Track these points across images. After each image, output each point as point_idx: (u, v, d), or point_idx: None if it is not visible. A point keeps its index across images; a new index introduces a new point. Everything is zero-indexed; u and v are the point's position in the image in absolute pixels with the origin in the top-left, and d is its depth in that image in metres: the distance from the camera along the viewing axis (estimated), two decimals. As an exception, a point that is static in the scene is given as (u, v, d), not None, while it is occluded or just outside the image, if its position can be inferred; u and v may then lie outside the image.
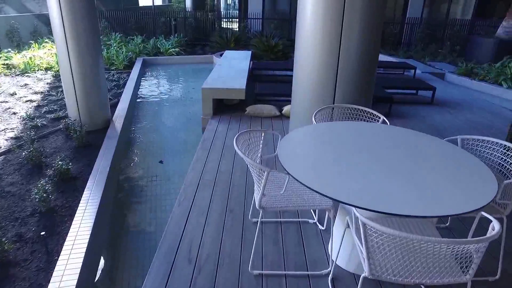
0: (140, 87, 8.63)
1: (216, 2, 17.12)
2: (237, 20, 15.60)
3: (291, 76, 8.51)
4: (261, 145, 2.75)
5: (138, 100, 7.66)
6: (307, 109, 4.15)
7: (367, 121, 3.25)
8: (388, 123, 2.97)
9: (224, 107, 6.08)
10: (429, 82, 8.46)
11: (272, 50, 10.94)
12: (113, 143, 4.75)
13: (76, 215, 3.21)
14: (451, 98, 7.46)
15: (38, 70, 9.10)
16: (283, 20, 14.71)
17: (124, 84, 8.16)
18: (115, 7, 16.66)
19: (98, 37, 5.16)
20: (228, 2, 22.61)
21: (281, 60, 11.06)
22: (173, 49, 12.02)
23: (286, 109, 5.70)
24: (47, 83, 7.90)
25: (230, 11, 19.83)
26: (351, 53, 3.75)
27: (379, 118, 3.13)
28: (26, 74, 8.70)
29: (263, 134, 2.73)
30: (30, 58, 9.43)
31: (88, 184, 3.71)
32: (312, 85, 3.98)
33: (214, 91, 5.55)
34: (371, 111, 3.19)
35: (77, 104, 5.09)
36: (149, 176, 4.44)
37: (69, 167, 3.80)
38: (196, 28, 14.65)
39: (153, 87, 8.73)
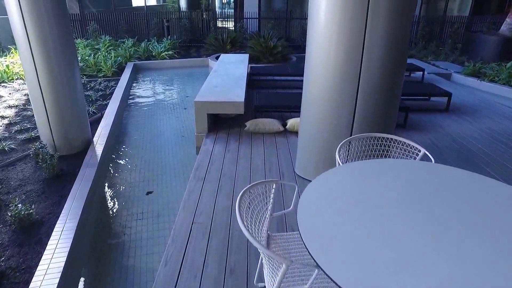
0: (129, 96, 7.91)
1: (210, 1, 16.38)
2: (233, 19, 14.88)
3: (292, 81, 7.71)
4: (271, 202, 2.06)
5: (125, 112, 6.95)
6: (321, 130, 3.47)
7: (402, 154, 2.56)
8: (433, 160, 2.28)
9: (220, 120, 5.39)
10: (437, 84, 7.82)
11: (271, 52, 10.24)
12: (90, 172, 4.05)
13: (33, 279, 2.52)
14: (464, 103, 6.79)
15: (16, 79, 8.37)
16: (280, 19, 14.00)
17: (112, 93, 7.46)
18: (105, 8, 15.92)
19: (72, 41, 4.44)
20: (223, 1, 21.88)
21: (280, 63, 10.36)
22: (166, 52, 11.30)
23: (291, 123, 5.01)
24: (25, 94, 7.18)
25: (226, 10, 19.10)
26: (375, 62, 3.08)
27: (419, 151, 2.44)
28: (3, 84, 7.97)
29: (274, 186, 2.04)
30: (7, 66, 8.67)
31: (54, 232, 3.02)
32: (326, 99, 3.30)
33: (209, 104, 4.85)
34: (408, 142, 2.51)
35: (49, 124, 4.38)
36: (134, 214, 3.75)
37: (31, 211, 3.10)
38: (190, 29, 13.92)
39: (143, 96, 8.02)
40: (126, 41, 12.02)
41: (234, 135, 4.94)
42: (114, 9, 15.88)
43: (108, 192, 4.18)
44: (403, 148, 2.55)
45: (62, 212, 3.31)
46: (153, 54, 11.29)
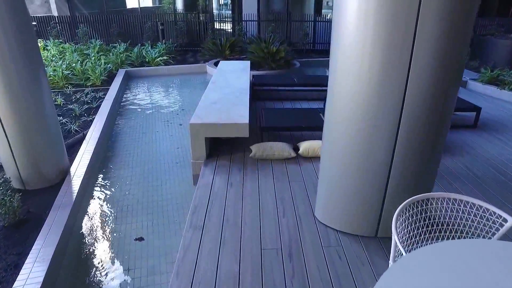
0: (118, 110, 7.15)
1: (207, 3, 15.64)
2: (231, 21, 14.15)
3: (299, 91, 6.88)
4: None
5: (113, 130, 6.19)
6: (347, 171, 2.74)
7: (473, 221, 1.83)
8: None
9: (220, 142, 4.65)
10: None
11: (273, 58, 9.51)
12: (62, 216, 3.30)
13: None
14: (491, 116, 6.08)
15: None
16: (280, 22, 13.28)
17: (99, 107, 6.70)
18: (98, 10, 15.16)
19: (38, 56, 3.68)
20: (220, 2, 21.14)
21: (283, 69, 9.63)
22: (161, 58, 10.54)
23: (304, 147, 4.27)
24: None
25: (224, 12, 18.39)
26: (425, 81, 2.36)
27: (504, 220, 1.71)
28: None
29: None
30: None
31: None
32: (356, 131, 2.58)
33: (207, 127, 4.11)
34: (492, 208, 1.78)
35: (12, 153, 3.63)
36: (117, 271, 3.00)
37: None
38: (186, 32, 13.18)
39: (134, 110, 7.26)
40: (118, 46, 11.26)
41: (238, 162, 4.19)
42: (106, 11, 15.14)
43: (85, 242, 3.43)
44: (475, 212, 1.83)
45: (18, 278, 2.56)
46: (147, 60, 10.53)
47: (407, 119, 2.44)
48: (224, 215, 3.19)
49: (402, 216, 1.82)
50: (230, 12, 15.57)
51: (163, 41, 11.90)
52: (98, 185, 4.39)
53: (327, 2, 17.41)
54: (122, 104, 7.49)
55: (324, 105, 6.14)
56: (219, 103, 4.80)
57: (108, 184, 4.41)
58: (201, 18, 13.77)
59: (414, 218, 1.92)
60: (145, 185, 4.39)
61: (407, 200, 1.82)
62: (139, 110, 7.09)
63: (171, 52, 11.60)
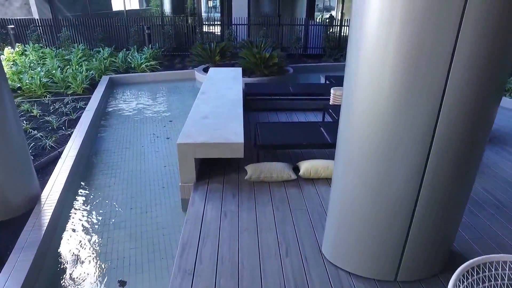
0: (100, 122, 6.64)
1: (196, 5, 15.18)
2: (220, 24, 13.71)
3: (295, 100, 6.43)
4: None
5: (93, 146, 5.69)
6: (363, 209, 2.33)
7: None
8: None
9: (212, 161, 4.20)
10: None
11: (266, 64, 9.10)
12: (27, 258, 2.80)
13: None
14: (502, 129, 5.76)
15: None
16: (271, 25, 12.90)
17: (79, 118, 6.18)
18: (82, 13, 14.55)
19: None
20: (209, 5, 20.71)
21: (276, 76, 9.23)
22: (147, 63, 10.04)
23: (305, 168, 3.85)
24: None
25: (213, 14, 17.94)
26: (465, 98, 1.98)
27: None
28: None
29: None
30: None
31: None
32: (375, 158, 2.17)
33: (197, 147, 3.66)
34: None
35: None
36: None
37: None
38: (174, 36, 12.69)
39: (117, 121, 6.76)
40: (102, 51, 10.71)
41: (232, 186, 3.75)
42: (90, 14, 14.54)
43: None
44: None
45: None
46: (133, 65, 10.01)
47: (439, 143, 2.03)
48: (218, 255, 2.74)
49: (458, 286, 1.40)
50: (219, 15, 15.14)
51: (150, 45, 11.39)
52: (74, 213, 3.89)
53: (317, 5, 17.13)
54: (104, 114, 6.98)
55: (323, 117, 5.77)
56: (210, 117, 4.35)
57: (85, 212, 3.91)
58: (189, 22, 13.31)
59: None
60: (128, 212, 3.90)
61: (465, 265, 1.40)
62: (123, 121, 6.58)
63: (158, 57, 11.10)
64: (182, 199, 3.90)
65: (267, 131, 4.33)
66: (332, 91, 5.76)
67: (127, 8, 16.54)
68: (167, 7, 16.17)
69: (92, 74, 8.82)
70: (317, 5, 17.27)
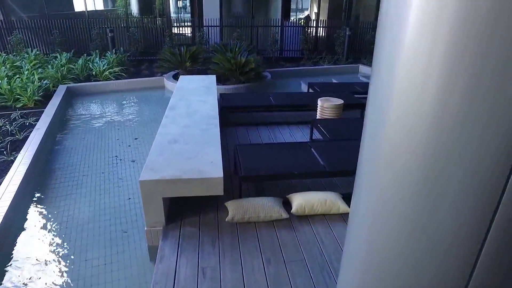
0: (54, 141, 5.73)
1: (164, 6, 14.28)
2: (190, 26, 12.91)
3: (277, 111, 5.70)
4: None
5: (42, 173, 4.82)
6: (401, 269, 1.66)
7: None
8: None
9: (184, 198, 3.47)
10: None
11: (242, 70, 8.42)
12: None
13: None
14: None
15: None
16: (245, 27, 12.24)
17: (27, 138, 5.27)
18: (40, 13, 13.30)
19: None
20: (179, 5, 19.77)
21: (253, 82, 8.56)
22: (111, 70, 9.11)
23: (298, 204, 3.19)
24: None
25: (183, 15, 17.06)
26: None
27: None
28: None
29: None
30: None
31: None
32: (423, 179, 1.51)
33: (164, 185, 2.93)
34: None
35: None
36: None
37: None
38: (142, 40, 11.77)
39: (74, 141, 5.88)
40: (59, 57, 9.67)
41: (210, 230, 3.04)
42: (48, 15, 13.34)
43: None
44: None
45: None
46: (94, 73, 9.06)
47: None
48: None
49: None
50: (190, 16, 14.32)
51: (114, 50, 10.44)
52: (9, 271, 3.05)
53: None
54: (58, 133, 6.06)
55: (311, 134, 5.15)
56: (180, 141, 3.61)
57: (23, 269, 3.09)
58: (158, 23, 12.42)
59: None
60: (82, 266, 3.11)
61: None
62: (81, 141, 5.71)
63: (124, 63, 10.17)
64: (149, 246, 3.16)
65: (250, 158, 3.64)
66: (319, 102, 5.16)
67: (90, 9, 15.39)
68: (134, 7, 15.17)
69: (46, 83, 7.82)
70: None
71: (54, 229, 3.59)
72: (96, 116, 6.87)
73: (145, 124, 6.47)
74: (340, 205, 3.20)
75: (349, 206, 3.30)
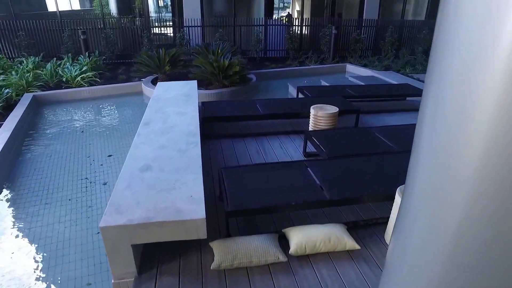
0: (15, 161, 5.07)
1: (143, 6, 13.53)
2: (171, 27, 12.23)
3: (265, 121, 5.05)
4: None
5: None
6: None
7: None
8: None
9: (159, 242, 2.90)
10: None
11: (225, 73, 7.85)
12: None
13: None
14: None
15: None
16: (228, 27, 11.65)
17: (-20, 160, 4.60)
18: (6, 13, 12.37)
19: None
20: (160, 5, 18.98)
21: (238, 86, 8.01)
22: (84, 76, 8.40)
23: (297, 244, 2.66)
24: None
25: (164, 15, 16.31)
26: None
27: None
28: None
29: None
30: None
31: None
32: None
33: (133, 230, 2.36)
34: None
35: None
36: None
37: None
38: (120, 42, 11.06)
39: (38, 159, 5.23)
40: (25, 61, 8.90)
41: (192, 281, 2.49)
42: (14, 15, 12.43)
43: None
44: None
45: None
46: (64, 79, 8.34)
47: None
48: None
49: None
50: (171, 15, 13.61)
51: (87, 53, 9.70)
52: None
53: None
54: (19, 149, 5.39)
55: (305, 147, 4.64)
56: (154, 168, 3.04)
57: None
58: (137, 23, 11.70)
59: None
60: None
61: None
62: (46, 159, 5.06)
63: (99, 68, 9.46)
64: (117, 302, 2.59)
65: (237, 184, 3.09)
66: (312, 111, 4.65)
67: (65, 9, 14.46)
68: (112, 7, 14.34)
69: (8, 92, 7.08)
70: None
71: (5, 274, 2.98)
72: (65, 129, 6.20)
73: (121, 137, 5.85)
74: (346, 241, 2.70)
75: (354, 239, 2.81)
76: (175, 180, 2.83)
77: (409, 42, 12.73)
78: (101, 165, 4.88)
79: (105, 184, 4.40)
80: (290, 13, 20.25)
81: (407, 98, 6.78)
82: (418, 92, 6.47)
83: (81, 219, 3.74)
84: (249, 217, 3.21)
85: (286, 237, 2.83)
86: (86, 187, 4.34)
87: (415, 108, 6.49)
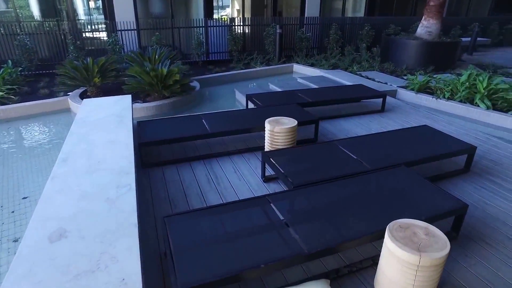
0: None
1: (68, 7, 12.03)
2: (103, 31, 10.99)
3: (212, 139, 4.39)
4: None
5: None
6: None
7: None
8: None
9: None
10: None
11: (164, 83, 7.01)
12: None
13: None
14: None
15: None
16: (165, 29, 10.73)
17: None
18: None
19: None
20: (91, 6, 17.29)
21: (179, 96, 7.20)
22: (-7, 94, 7.07)
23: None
24: None
25: (95, 17, 14.79)
26: None
27: None
28: None
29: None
30: None
31: None
32: None
33: None
34: None
35: None
36: None
37: None
38: (40, 50, 9.65)
39: None
40: None
41: None
42: None
43: None
44: None
45: None
46: (-31, 99, 6.95)
47: None
48: None
49: None
50: (103, 18, 12.27)
51: (-2, 66, 8.26)
52: None
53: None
54: None
55: (263, 172, 4.02)
56: (71, 233, 2.24)
57: None
58: (62, 28, 10.30)
59: None
60: None
61: None
62: None
63: (14, 82, 8.08)
64: None
65: (187, 241, 2.38)
66: (267, 126, 4.04)
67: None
68: (34, 9, 12.59)
69: None
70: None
71: None
72: (-33, 164, 5.01)
73: (41, 170, 4.83)
74: (332, 307, 2.13)
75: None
76: (100, 253, 2.06)
77: (353, 39, 12.71)
78: (12, 212, 3.88)
79: (15, 241, 3.45)
80: (228, 13, 19.61)
81: (362, 100, 6.48)
82: (373, 94, 6.18)
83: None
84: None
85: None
86: (-9, 247, 3.36)
87: (370, 111, 6.20)
